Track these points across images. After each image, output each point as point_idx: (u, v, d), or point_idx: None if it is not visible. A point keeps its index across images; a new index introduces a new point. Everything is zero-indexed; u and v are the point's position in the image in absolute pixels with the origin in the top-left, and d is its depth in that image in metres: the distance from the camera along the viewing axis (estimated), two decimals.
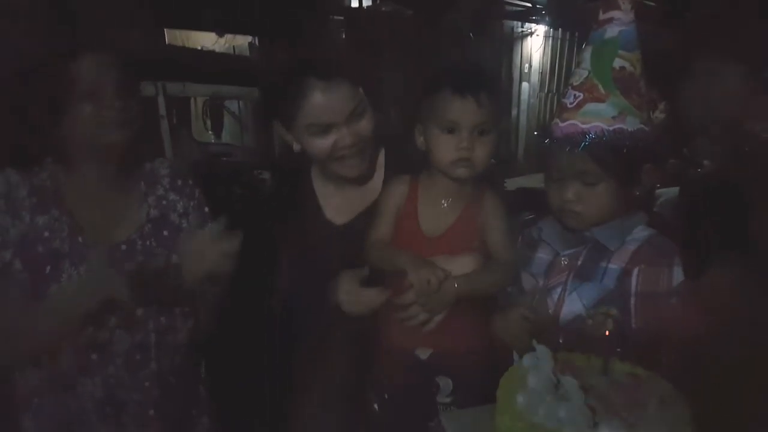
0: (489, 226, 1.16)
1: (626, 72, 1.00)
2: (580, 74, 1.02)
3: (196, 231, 1.13)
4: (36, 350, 1.10)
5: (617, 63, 1.00)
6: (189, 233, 1.15)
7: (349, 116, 1.15)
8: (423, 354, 1.21)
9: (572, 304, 1.04)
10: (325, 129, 1.16)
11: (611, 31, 1.00)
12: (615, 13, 1.01)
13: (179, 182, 1.24)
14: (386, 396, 1.24)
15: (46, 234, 1.09)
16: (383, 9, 6.27)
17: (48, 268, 1.08)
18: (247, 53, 5.60)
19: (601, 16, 1.02)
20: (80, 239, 1.10)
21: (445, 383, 1.20)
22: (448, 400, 1.20)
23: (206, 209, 1.25)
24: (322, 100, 1.13)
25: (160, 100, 3.09)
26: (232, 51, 5.69)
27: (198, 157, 4.13)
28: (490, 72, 1.16)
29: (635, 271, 0.99)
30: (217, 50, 5.07)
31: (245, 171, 4.10)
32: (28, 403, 1.15)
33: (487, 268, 1.15)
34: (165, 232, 1.18)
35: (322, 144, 1.17)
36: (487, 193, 1.18)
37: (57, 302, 1.06)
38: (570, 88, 1.03)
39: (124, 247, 1.14)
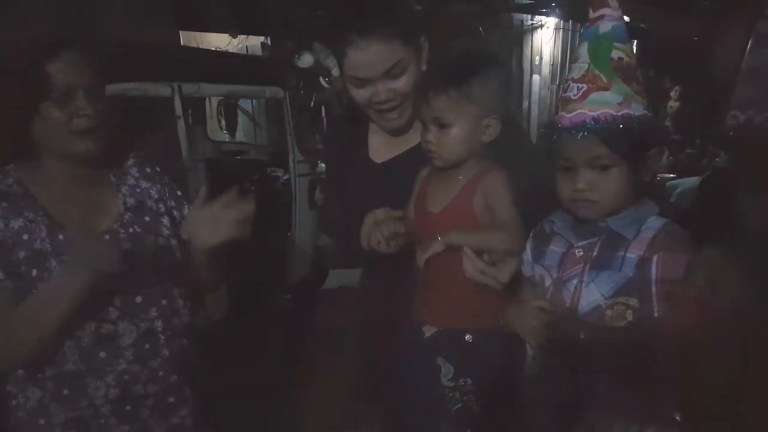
0: (489, 199, 1.18)
1: (624, 62, 1.04)
2: (580, 68, 1.05)
3: (206, 202, 1.13)
4: (36, 348, 1.07)
5: (615, 54, 1.04)
6: (199, 206, 1.14)
7: (384, 74, 1.19)
8: (427, 331, 1.25)
9: (590, 295, 1.04)
10: (362, 82, 1.22)
11: (604, 27, 1.05)
12: (606, 10, 1.06)
13: (147, 170, 1.23)
14: (392, 369, 1.28)
15: (25, 237, 1.05)
16: None
17: (34, 270, 1.06)
18: (260, 53, 5.67)
19: (592, 15, 1.07)
20: (61, 236, 1.08)
21: (447, 366, 1.23)
22: (451, 384, 1.23)
23: (179, 193, 1.26)
24: (358, 56, 1.18)
25: (176, 100, 3.13)
26: (245, 51, 5.76)
27: (212, 155, 4.20)
28: (456, 68, 1.18)
29: (654, 259, 1.00)
30: (230, 51, 5.12)
31: (259, 168, 4.17)
32: (39, 418, 1.11)
33: (482, 229, 1.19)
34: (146, 218, 1.18)
35: (359, 94, 1.24)
36: (492, 171, 1.20)
37: (48, 291, 1.05)
38: (571, 81, 1.06)
39: (107, 238, 1.13)
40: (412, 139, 1.33)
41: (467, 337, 1.21)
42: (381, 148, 1.36)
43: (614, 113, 1.01)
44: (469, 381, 1.22)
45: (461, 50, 1.25)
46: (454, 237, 1.16)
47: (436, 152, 1.19)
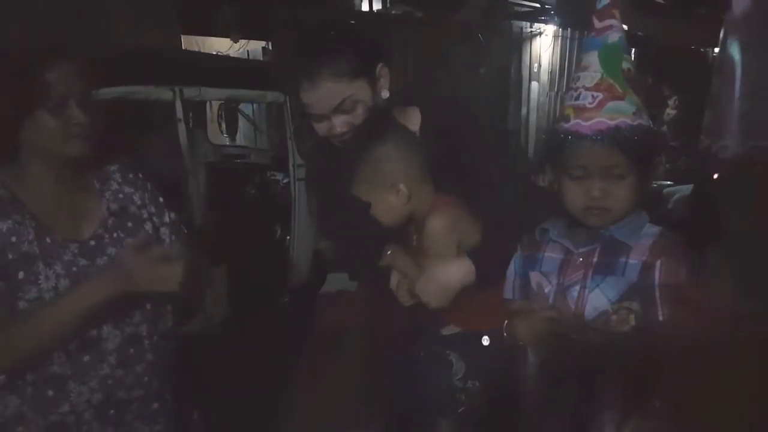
0: (428, 242, 1.22)
1: (632, 73, 1.08)
2: (593, 76, 1.07)
3: (144, 246, 1.08)
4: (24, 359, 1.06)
5: (624, 65, 1.07)
6: (134, 249, 1.09)
7: (334, 109, 1.21)
8: (447, 331, 1.27)
9: (597, 300, 1.06)
10: (317, 117, 1.24)
11: (613, 37, 1.08)
12: (612, 21, 1.09)
13: (130, 176, 1.23)
14: (404, 364, 1.30)
15: (14, 239, 1.05)
16: (393, 11, 6.34)
17: (21, 273, 1.05)
18: (261, 58, 5.70)
19: (599, 25, 1.09)
20: (48, 239, 1.08)
21: (459, 364, 1.25)
22: (460, 384, 1.25)
23: (161, 199, 1.26)
24: (306, 95, 1.21)
25: (177, 104, 3.15)
26: (246, 56, 5.79)
27: (213, 158, 4.22)
28: (346, 157, 1.24)
29: (657, 264, 1.03)
30: (231, 55, 5.15)
31: (259, 172, 4.20)
32: (18, 425, 1.08)
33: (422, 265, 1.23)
34: (129, 224, 1.18)
35: (318, 127, 1.26)
36: (432, 214, 1.22)
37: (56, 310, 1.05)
38: (582, 90, 1.07)
39: (92, 242, 1.13)
40: None
41: (484, 339, 1.24)
42: None
43: (631, 123, 1.03)
44: (477, 384, 1.24)
45: (354, 134, 1.25)
46: (398, 259, 1.24)
47: (380, 222, 1.24)
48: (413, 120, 1.33)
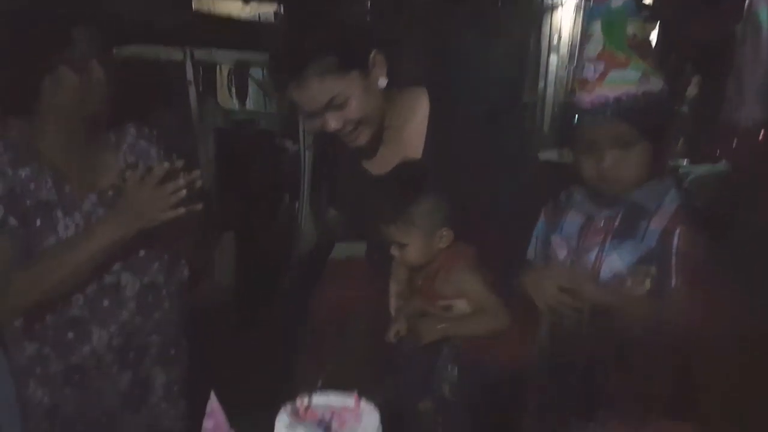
0: (459, 286, 1.23)
1: (638, 38, 1.06)
2: (595, 47, 1.06)
3: (145, 175, 1.09)
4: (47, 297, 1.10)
5: (629, 30, 1.05)
6: (137, 180, 1.11)
7: (325, 106, 1.18)
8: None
9: (612, 264, 1.07)
10: (310, 115, 1.21)
11: (616, 2, 1.06)
12: None
13: (146, 131, 1.28)
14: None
15: (32, 186, 1.09)
16: None
17: (38, 220, 1.09)
18: (273, 21, 5.60)
19: None
20: (67, 188, 1.12)
21: (451, 348, 1.24)
22: (441, 363, 1.24)
23: (175, 156, 1.25)
24: (296, 94, 1.19)
25: (188, 65, 3.12)
26: (257, 19, 5.69)
27: (222, 123, 4.19)
28: (396, 198, 1.23)
29: (677, 232, 1.03)
30: (243, 17, 5.07)
31: (268, 138, 4.16)
32: (36, 368, 1.14)
33: (474, 316, 1.22)
34: None
35: (311, 123, 1.24)
36: (455, 258, 1.23)
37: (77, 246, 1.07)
38: (586, 62, 1.07)
39: (111, 192, 1.17)
40: (406, 149, 1.30)
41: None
42: (375, 160, 1.33)
43: (635, 92, 1.02)
44: (456, 371, 1.23)
45: (399, 172, 1.24)
46: (444, 329, 1.22)
47: (403, 263, 1.26)
48: (420, 103, 1.28)
